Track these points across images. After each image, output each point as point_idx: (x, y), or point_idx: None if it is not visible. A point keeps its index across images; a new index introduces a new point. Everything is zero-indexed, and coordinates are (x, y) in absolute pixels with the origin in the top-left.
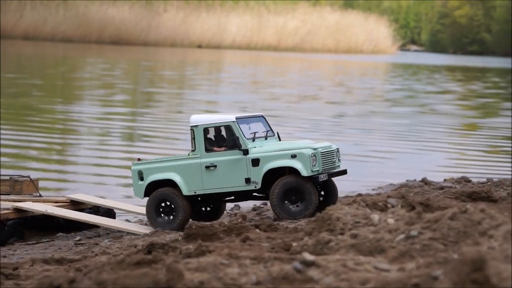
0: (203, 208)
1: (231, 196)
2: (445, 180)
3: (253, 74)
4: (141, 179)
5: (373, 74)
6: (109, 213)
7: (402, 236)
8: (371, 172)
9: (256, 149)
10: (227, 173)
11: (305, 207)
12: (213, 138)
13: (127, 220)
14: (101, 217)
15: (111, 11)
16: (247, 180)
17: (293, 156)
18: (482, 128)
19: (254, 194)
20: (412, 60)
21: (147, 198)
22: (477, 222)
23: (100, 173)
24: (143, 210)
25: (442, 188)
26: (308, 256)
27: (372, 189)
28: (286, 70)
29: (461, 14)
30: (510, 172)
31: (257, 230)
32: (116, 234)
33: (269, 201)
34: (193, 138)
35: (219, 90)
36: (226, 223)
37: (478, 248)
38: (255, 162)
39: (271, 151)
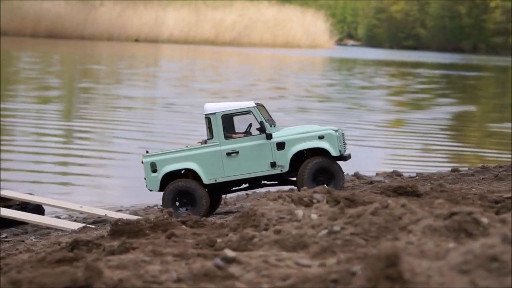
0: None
1: (250, 182)
2: (377, 174)
3: (188, 69)
4: (154, 171)
5: (309, 69)
6: (38, 209)
7: (324, 231)
8: None
9: (277, 134)
10: (251, 158)
11: (338, 185)
12: (228, 126)
13: (56, 217)
14: (29, 213)
15: (47, 4)
16: (273, 164)
17: (321, 137)
18: (415, 123)
19: (263, 182)
20: (348, 54)
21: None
22: (398, 217)
23: (32, 169)
24: (72, 206)
25: (371, 182)
26: (230, 253)
27: None
28: (222, 64)
29: (397, 10)
30: (439, 166)
31: (184, 226)
32: (44, 231)
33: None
34: (209, 126)
35: (149, 85)
36: (152, 220)
37: (395, 243)
38: (280, 145)
39: (295, 134)
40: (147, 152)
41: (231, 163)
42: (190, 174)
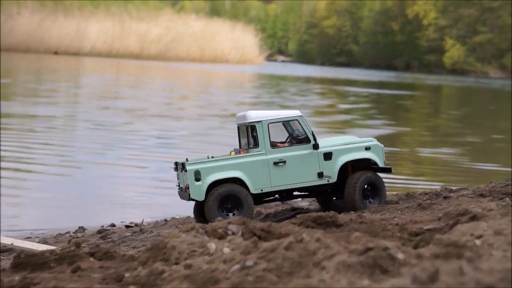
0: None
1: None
2: (302, 199)
3: (108, 85)
4: (197, 179)
5: (236, 85)
6: None
7: (237, 266)
8: None
9: (322, 144)
10: (298, 168)
11: (380, 201)
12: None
13: None
14: None
15: None
16: (320, 175)
17: (367, 148)
18: None
19: (295, 193)
20: (278, 71)
21: None
22: (312, 252)
23: None
24: None
25: (294, 209)
26: None
27: None
28: (144, 80)
29: (329, 25)
30: None
31: (91, 259)
32: None
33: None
34: (254, 135)
35: (62, 103)
36: (58, 251)
37: (307, 281)
38: (327, 156)
39: (341, 145)
40: (187, 160)
41: (278, 173)
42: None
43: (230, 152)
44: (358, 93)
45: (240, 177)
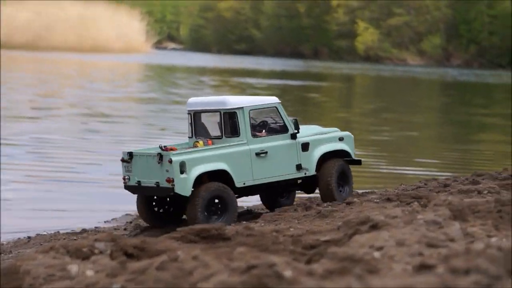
0: (158, 209)
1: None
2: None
3: None
4: (182, 172)
5: (114, 78)
6: None
7: None
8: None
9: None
10: (279, 160)
11: (350, 190)
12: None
13: None
14: None
15: None
16: (298, 167)
17: (341, 139)
18: None
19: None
20: (167, 60)
21: None
22: (188, 272)
23: None
24: None
25: None
26: None
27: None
28: (3, 74)
29: (226, 7)
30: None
31: None
32: None
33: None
34: (233, 122)
35: None
36: None
37: None
38: (305, 146)
39: (315, 135)
40: (165, 148)
41: (260, 165)
42: (205, 177)
43: (195, 143)
44: (258, 85)
45: (225, 169)
